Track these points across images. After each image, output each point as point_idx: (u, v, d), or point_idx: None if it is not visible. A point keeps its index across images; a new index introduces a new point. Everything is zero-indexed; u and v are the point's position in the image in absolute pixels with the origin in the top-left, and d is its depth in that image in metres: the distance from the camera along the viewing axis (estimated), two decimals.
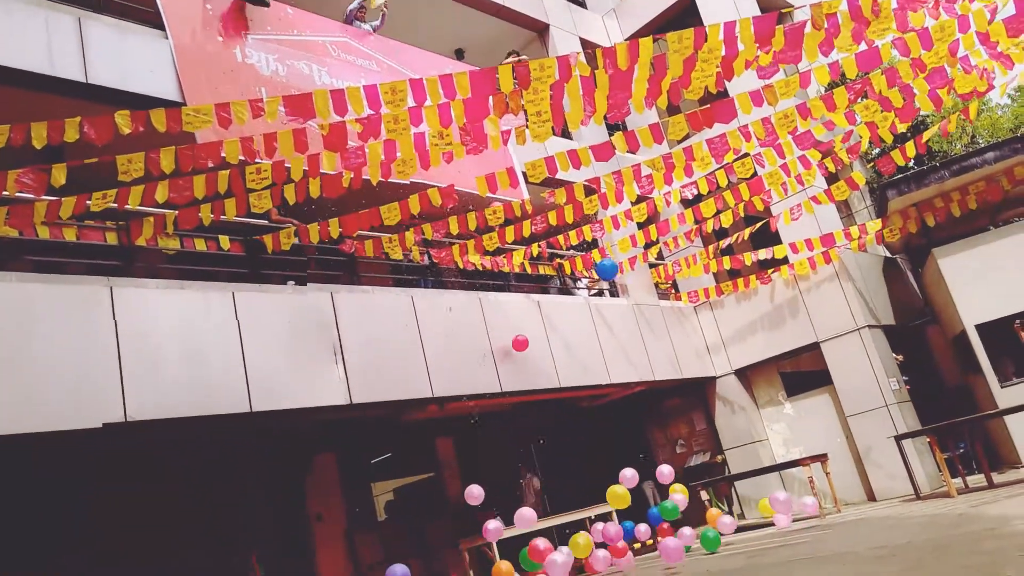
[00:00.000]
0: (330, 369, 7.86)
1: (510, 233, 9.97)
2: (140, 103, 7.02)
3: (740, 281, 12.78)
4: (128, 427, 6.25)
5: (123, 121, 5.42)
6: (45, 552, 7.67)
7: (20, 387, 5.72)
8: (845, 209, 14.83)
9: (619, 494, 8.77)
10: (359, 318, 8.37)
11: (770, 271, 12.46)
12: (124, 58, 7.35)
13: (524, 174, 9.03)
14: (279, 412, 7.34)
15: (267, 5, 8.78)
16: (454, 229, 9.22)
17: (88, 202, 5.95)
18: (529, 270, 11.36)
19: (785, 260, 12.35)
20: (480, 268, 10.32)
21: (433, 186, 8.60)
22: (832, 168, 10.45)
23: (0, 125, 5.22)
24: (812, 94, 11.88)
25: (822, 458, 10.56)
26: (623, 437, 13.73)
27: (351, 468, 10.54)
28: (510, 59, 11.85)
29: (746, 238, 11.79)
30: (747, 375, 13.13)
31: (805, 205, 11.21)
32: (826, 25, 6.78)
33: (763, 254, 12.19)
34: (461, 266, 10.09)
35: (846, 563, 5.77)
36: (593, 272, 11.65)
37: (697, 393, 13.47)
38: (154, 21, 7.87)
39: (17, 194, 6.00)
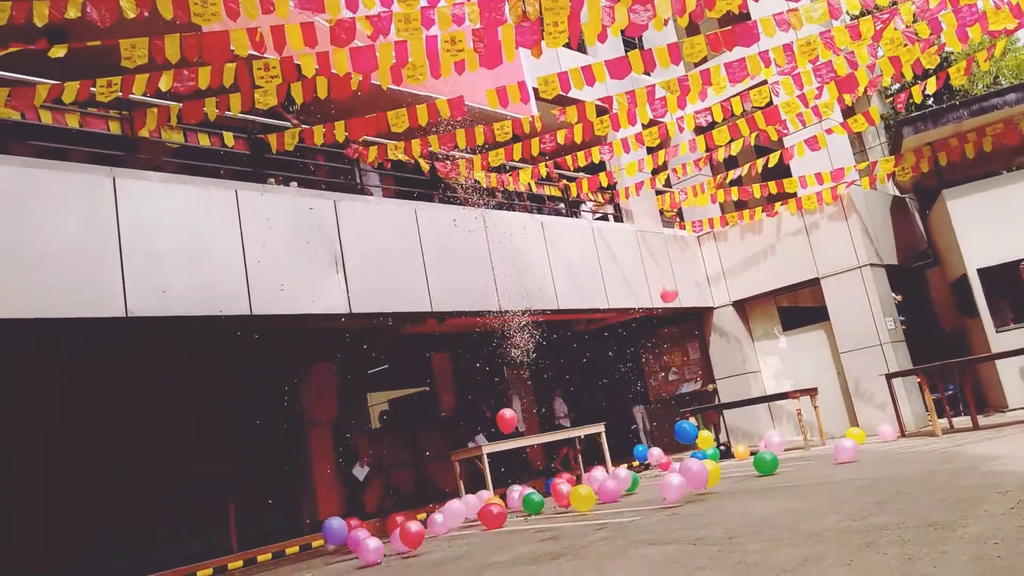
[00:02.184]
0: (331, 277, 7.86)
1: (517, 151, 9.82)
2: None
3: (746, 213, 12.68)
4: (128, 322, 6.28)
5: (127, 4, 5.24)
6: (33, 439, 7.84)
7: (18, 271, 5.71)
8: (859, 144, 14.61)
9: (583, 495, 7.40)
10: (361, 227, 8.32)
11: (778, 204, 12.35)
12: None
13: (535, 89, 8.82)
14: (278, 317, 7.37)
15: None
16: (461, 143, 9.07)
17: (92, 89, 5.81)
18: (535, 190, 11.25)
19: (794, 194, 12.22)
20: (485, 185, 10.20)
21: (442, 97, 8.41)
22: (849, 101, 10.22)
23: (1, 1, 5.04)
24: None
25: (812, 392, 10.70)
26: (617, 362, 13.88)
27: (348, 377, 10.68)
28: None
29: (758, 170, 11.63)
30: (745, 307, 13.18)
31: (820, 138, 11.01)
32: None
33: (772, 187, 12.06)
34: (465, 181, 9.97)
35: (826, 492, 5.90)
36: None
37: (694, 322, 13.56)
38: None
39: (19, 76, 5.88)
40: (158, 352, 8.30)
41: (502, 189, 10.54)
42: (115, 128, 6.90)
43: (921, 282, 13.43)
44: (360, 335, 9.35)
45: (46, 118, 6.41)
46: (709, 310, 13.26)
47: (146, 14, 5.38)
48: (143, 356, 8.23)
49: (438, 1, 6.28)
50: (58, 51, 5.26)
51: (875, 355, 11.22)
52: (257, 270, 7.22)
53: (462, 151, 9.54)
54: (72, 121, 6.56)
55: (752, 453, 10.51)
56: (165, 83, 5.98)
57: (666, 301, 9.54)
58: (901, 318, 11.87)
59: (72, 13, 5.20)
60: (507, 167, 10.55)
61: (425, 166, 9.71)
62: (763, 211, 12.52)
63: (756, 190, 12.18)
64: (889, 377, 10.28)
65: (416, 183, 9.95)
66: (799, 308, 12.94)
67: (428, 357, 11.93)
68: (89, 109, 6.70)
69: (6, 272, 5.63)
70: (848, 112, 12.32)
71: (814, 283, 12.05)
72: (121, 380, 8.12)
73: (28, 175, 5.94)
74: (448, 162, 9.83)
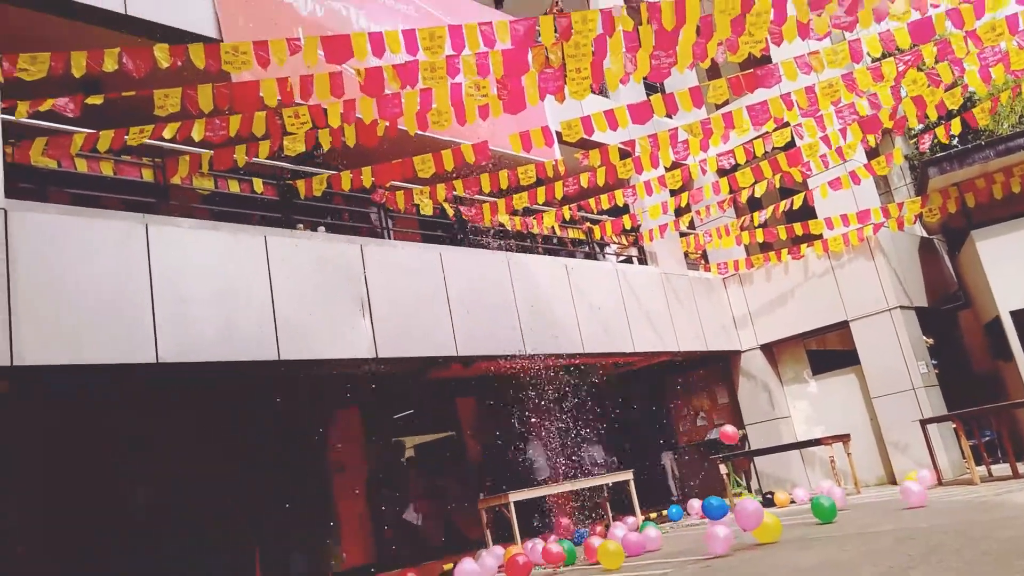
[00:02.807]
0: (357, 321, 7.89)
1: (541, 194, 9.89)
2: (177, 37, 6.99)
3: (772, 255, 12.60)
4: (158, 368, 6.33)
5: (162, 55, 5.40)
6: (61, 483, 7.86)
7: (53, 317, 5.79)
8: (884, 185, 14.53)
9: (611, 551, 7.03)
10: (387, 272, 8.37)
11: (803, 246, 12.27)
12: None
13: (559, 133, 8.92)
14: (305, 362, 7.39)
15: None
16: (486, 187, 9.16)
17: (126, 136, 5.96)
18: (559, 233, 11.29)
19: (819, 235, 12.14)
20: (509, 228, 10.27)
21: (467, 143, 8.52)
22: (873, 142, 10.21)
23: (41, 53, 5.22)
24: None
25: (844, 438, 10.47)
26: (644, 406, 13.71)
27: (374, 422, 10.64)
28: (553, 5, 11.68)
29: (781, 211, 11.59)
30: (773, 351, 13.01)
31: (844, 180, 10.98)
32: None
33: (797, 228, 11.99)
34: (490, 225, 10.04)
35: (866, 542, 5.73)
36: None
37: (721, 366, 13.39)
38: None
39: (55, 125, 6.05)
40: (186, 397, 8.34)
41: (526, 232, 10.59)
42: (148, 175, 7.05)
43: (952, 324, 13.19)
44: (386, 380, 9.35)
45: (81, 166, 6.57)
46: (736, 353, 13.10)
47: (179, 63, 5.54)
48: (171, 401, 8.28)
49: (463, 49, 6.40)
50: (95, 100, 5.41)
51: (908, 400, 10.97)
52: (285, 315, 7.26)
53: (487, 195, 9.62)
54: (106, 169, 6.72)
55: (792, 501, 10.30)
56: (197, 132, 6.13)
57: (727, 440, 9.48)
58: (933, 361, 11.64)
59: (109, 66, 5.38)
60: (531, 210, 10.61)
61: (450, 210, 9.79)
62: (789, 253, 12.44)
63: (781, 232, 12.13)
64: (924, 423, 10.04)
65: (441, 227, 10.03)
66: (829, 352, 12.73)
67: (454, 402, 11.87)
68: (123, 157, 6.87)
69: (41, 318, 5.72)
70: (872, 153, 12.29)
71: (843, 326, 11.88)
72: (148, 425, 8.16)
73: (64, 222, 6.07)
74: (473, 206, 9.92)
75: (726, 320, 13.06)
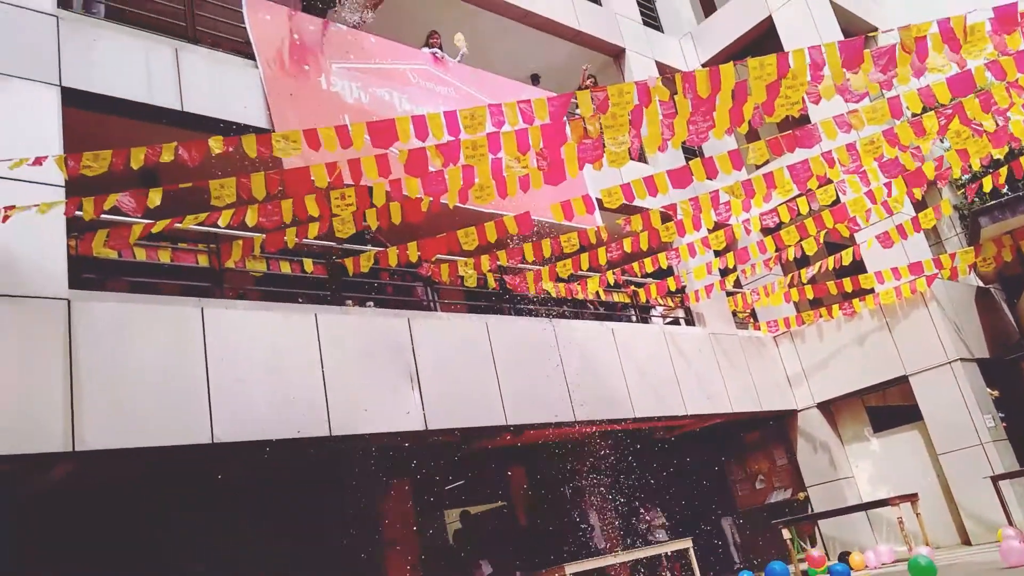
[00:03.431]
0: (407, 394, 7.93)
1: (585, 260, 9.93)
2: (231, 130, 7.34)
3: (823, 311, 12.38)
4: (214, 448, 6.43)
5: (216, 145, 5.64)
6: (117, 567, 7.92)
7: (114, 403, 5.95)
8: (934, 236, 14.25)
9: None
10: (435, 343, 8.44)
11: (855, 301, 12.03)
12: (217, 86, 7.69)
13: (599, 201, 9.01)
14: (356, 436, 7.44)
15: None
16: (529, 256, 9.24)
17: (179, 224, 6.20)
18: (603, 297, 11.27)
19: (871, 289, 11.91)
20: (554, 295, 10.30)
21: (509, 214, 8.65)
22: (919, 195, 10.06)
23: (103, 151, 5.50)
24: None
25: (912, 498, 10.05)
26: (700, 471, 13.38)
27: (424, 494, 10.57)
28: (585, 77, 11.92)
29: (829, 267, 11.43)
30: (831, 409, 12.66)
31: (891, 233, 10.82)
32: (915, 48, 6.57)
33: (847, 283, 11.79)
34: (535, 293, 10.09)
35: None
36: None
37: (778, 427, 13.05)
38: (245, 51, 8.21)
39: (115, 217, 6.32)
40: (239, 476, 8.41)
41: (571, 298, 10.60)
42: (203, 261, 7.29)
43: (1017, 375, 12.69)
44: (436, 451, 9.33)
45: (140, 255, 6.83)
46: (793, 413, 12.77)
47: (230, 149, 5.77)
48: (224, 481, 8.35)
49: (503, 126, 6.56)
50: (155, 197, 5.66)
51: (976, 456, 10.53)
52: (336, 390, 7.35)
53: (530, 263, 9.70)
54: (164, 256, 6.98)
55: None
56: (251, 217, 6.35)
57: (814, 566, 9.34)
58: (1000, 414, 11.18)
59: (166, 157, 5.62)
60: (576, 277, 10.64)
61: (493, 281, 9.87)
62: (840, 308, 12.20)
63: (831, 287, 11.93)
64: (995, 479, 9.60)
65: (487, 297, 10.11)
66: (889, 407, 12.34)
67: (505, 471, 11.74)
68: (179, 244, 7.13)
69: (102, 403, 5.89)
70: (919, 205, 12.11)
71: (902, 381, 11.54)
72: (202, 505, 8.22)
73: (124, 310, 6.30)
74: (517, 275, 9.99)
75: (779, 379, 12.78)
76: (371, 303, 8.49)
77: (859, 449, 12.41)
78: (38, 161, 5.37)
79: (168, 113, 7.24)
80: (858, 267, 12.21)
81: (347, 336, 7.72)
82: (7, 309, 5.71)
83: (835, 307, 12.28)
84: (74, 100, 6.68)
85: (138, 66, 7.16)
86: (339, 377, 7.43)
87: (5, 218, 5.55)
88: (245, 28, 8.27)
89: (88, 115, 6.83)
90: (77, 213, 5.82)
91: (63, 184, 6.20)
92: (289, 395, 7.02)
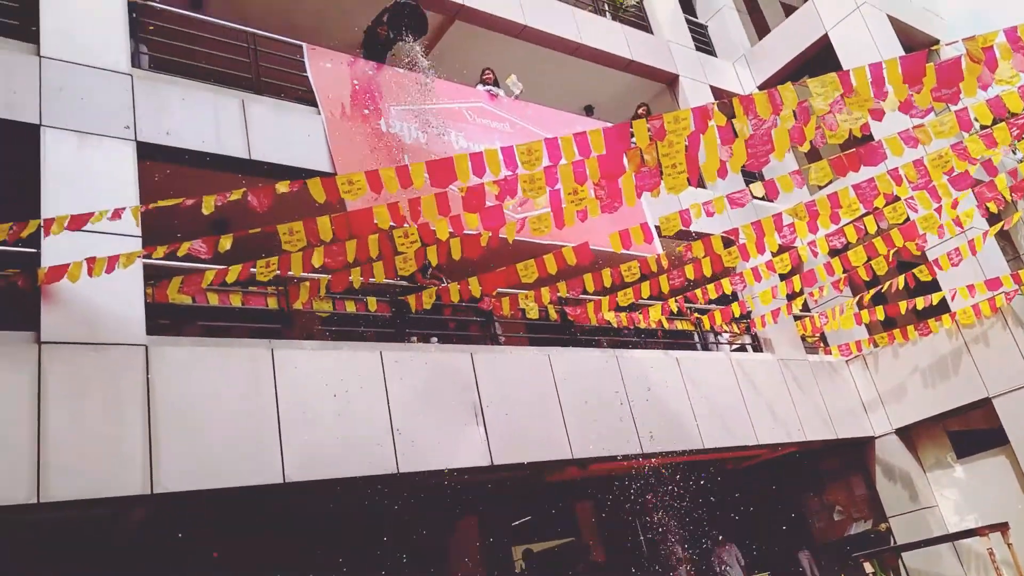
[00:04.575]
0: (472, 429, 7.93)
1: (646, 289, 9.83)
2: (295, 174, 7.53)
3: (896, 332, 11.95)
4: (286, 488, 6.53)
5: (282, 188, 5.82)
6: None
7: (189, 446, 6.11)
8: (1011, 251, 13.67)
9: None
10: (498, 377, 8.44)
11: (931, 321, 11.59)
12: (281, 134, 7.96)
13: (658, 228, 8.93)
14: (423, 473, 7.45)
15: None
16: (589, 286, 9.19)
17: (253, 269, 6.39)
18: (667, 326, 11.12)
19: (946, 308, 11.47)
20: (616, 325, 10.20)
21: (567, 245, 8.65)
22: (994, 208, 9.69)
23: (175, 199, 5.72)
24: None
25: (1002, 527, 9.54)
26: (775, 502, 12.97)
27: (491, 531, 10.50)
28: (640, 111, 11.94)
29: (900, 286, 11.06)
30: (910, 434, 12.15)
31: (962, 249, 10.43)
32: (984, 58, 6.37)
33: (920, 302, 11.38)
34: (597, 323, 10.01)
35: None
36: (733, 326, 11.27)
37: (854, 454, 12.57)
38: (307, 99, 8.50)
39: (189, 264, 6.56)
40: (309, 515, 8.51)
41: (634, 328, 10.49)
42: (272, 303, 7.48)
43: None
44: (502, 486, 9.27)
45: (213, 299, 7.05)
46: (869, 440, 12.30)
47: (295, 189, 5.93)
48: (294, 520, 8.46)
49: (560, 159, 6.59)
50: (225, 243, 5.85)
51: None
52: (402, 427, 7.40)
53: (591, 294, 9.65)
54: (235, 300, 7.19)
55: None
56: (317, 260, 6.50)
57: None
58: None
59: (235, 196, 5.81)
60: (637, 306, 10.54)
61: (554, 314, 9.85)
62: (915, 329, 11.77)
63: (903, 307, 11.53)
64: None
65: (548, 329, 10.08)
66: (973, 431, 11.78)
67: (572, 506, 11.59)
68: (250, 287, 7.34)
69: (178, 446, 6.05)
70: (993, 219, 11.66)
71: (985, 403, 11.02)
72: (272, 545, 8.33)
73: (198, 354, 6.50)
74: (578, 306, 9.95)
75: (854, 404, 12.35)
76: (435, 339, 8.55)
77: (942, 476, 11.86)
78: (116, 214, 5.62)
79: (236, 162, 7.51)
80: (932, 286, 11.78)
81: (412, 372, 7.79)
82: (90, 357, 5.94)
83: (909, 328, 11.85)
84: (148, 153, 6.99)
85: (207, 118, 7.47)
86: (405, 413, 7.48)
87: (90, 271, 5.81)
88: (307, 76, 8.57)
89: (162, 166, 7.14)
90: (153, 261, 6.06)
91: (139, 234, 6.46)
92: (356, 432, 7.10)
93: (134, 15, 7.72)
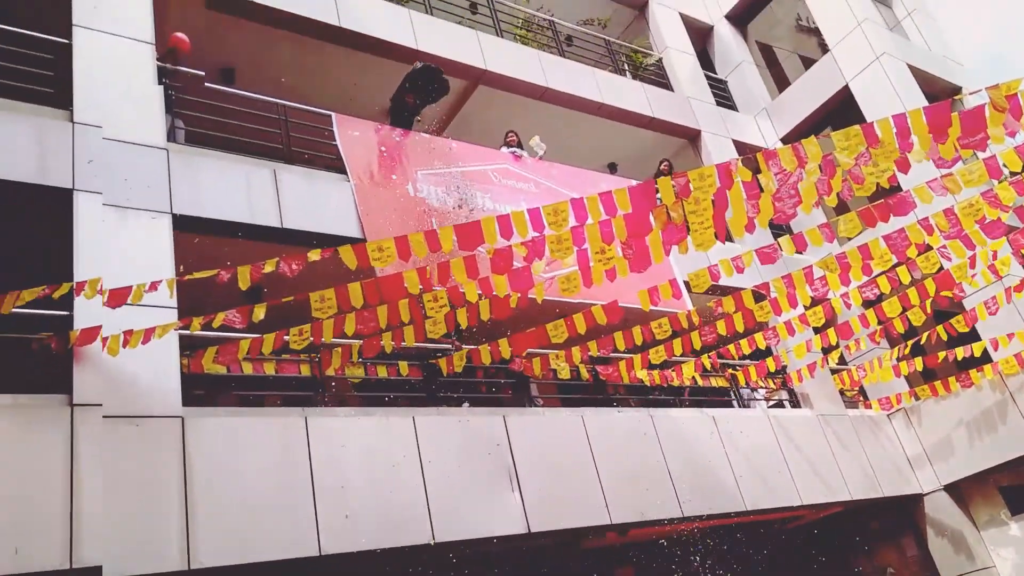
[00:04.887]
0: (507, 495, 7.78)
1: (678, 346, 9.73)
2: (326, 241, 7.66)
3: (938, 384, 11.64)
4: (321, 561, 6.42)
5: (314, 256, 5.91)
6: None
7: (228, 520, 6.07)
8: None
9: None
10: (531, 440, 8.32)
11: (973, 372, 11.29)
12: (312, 202, 8.13)
13: (687, 284, 8.89)
14: (459, 543, 7.30)
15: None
16: (620, 345, 9.12)
17: (286, 338, 6.44)
18: (701, 383, 10.95)
19: (987, 358, 11.17)
20: (648, 383, 10.08)
21: (597, 304, 8.63)
22: None
23: (211, 271, 5.83)
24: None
25: None
26: (822, 565, 12.48)
27: None
28: (663, 167, 12.02)
29: (941, 336, 10.82)
30: (960, 490, 11.70)
31: (999, 297, 10.22)
32: (1008, 106, 6.35)
33: (960, 352, 11.11)
34: (628, 381, 9.90)
35: None
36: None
37: (903, 513, 12.12)
38: (337, 166, 8.70)
39: (223, 334, 6.64)
40: None
41: (667, 385, 10.35)
42: (305, 370, 7.52)
43: None
44: (539, 554, 9.05)
45: (247, 369, 7.11)
46: (918, 497, 11.87)
47: (326, 257, 6.02)
48: None
49: (586, 219, 6.62)
50: (259, 313, 5.92)
51: None
52: (436, 495, 7.29)
53: (622, 352, 9.57)
54: (269, 369, 7.24)
55: None
56: (349, 327, 6.55)
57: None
58: None
59: (268, 268, 5.90)
60: (669, 363, 10.42)
61: (585, 373, 9.77)
62: (957, 380, 11.46)
63: (943, 357, 11.26)
64: None
65: (581, 389, 9.98)
66: None
67: (612, 573, 11.25)
68: (283, 355, 7.38)
69: (214, 519, 6.01)
70: None
71: None
72: None
73: (233, 424, 6.51)
74: (609, 364, 9.86)
75: (899, 460, 11.98)
76: (467, 403, 8.50)
77: (997, 535, 11.36)
78: (153, 286, 5.73)
79: (269, 231, 7.66)
80: (971, 335, 11.52)
81: (445, 437, 7.72)
82: (127, 431, 5.97)
83: (951, 379, 11.54)
84: (184, 225, 7.15)
85: (240, 188, 7.66)
86: (439, 480, 7.38)
87: (126, 343, 5.90)
88: (336, 145, 8.79)
89: (196, 237, 7.30)
90: (188, 332, 6.14)
91: (175, 305, 6.56)
92: (391, 501, 7.00)
93: (170, 92, 8.01)
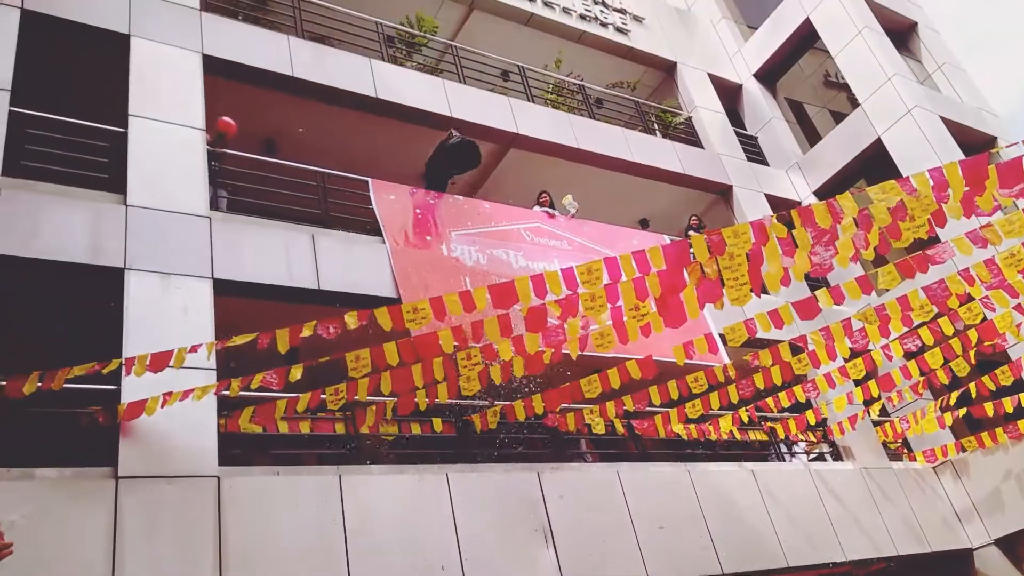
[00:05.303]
0: (542, 553, 7.68)
1: (715, 399, 9.60)
2: (362, 302, 7.76)
3: (985, 435, 11.31)
4: None
5: (351, 321, 5.98)
6: None
7: None
8: None
9: None
10: (567, 496, 8.22)
11: (1021, 422, 10.95)
12: (349, 264, 8.28)
13: (723, 337, 8.80)
14: None
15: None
16: (655, 399, 9.03)
17: (323, 396, 6.50)
18: (738, 436, 10.76)
19: None
20: (685, 438, 9.93)
21: (631, 358, 8.58)
22: None
23: (249, 334, 5.93)
24: None
25: None
26: None
27: None
28: (692, 222, 12.04)
29: (988, 388, 10.54)
30: (1012, 545, 11.26)
31: None
32: None
33: (1008, 403, 10.79)
34: (664, 435, 9.77)
35: None
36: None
37: (953, 570, 11.67)
38: (373, 229, 8.86)
39: (261, 394, 6.71)
40: None
41: (704, 440, 10.19)
42: (339, 428, 7.55)
43: None
44: None
45: (283, 428, 7.16)
46: (968, 552, 11.44)
47: (363, 322, 6.09)
48: None
49: (620, 277, 6.63)
50: (296, 373, 6.00)
51: None
52: (469, 552, 7.20)
53: (658, 407, 9.47)
54: (304, 427, 7.28)
55: None
56: (385, 387, 6.59)
57: None
58: None
59: (306, 332, 5.99)
60: (706, 417, 10.27)
61: (620, 427, 9.66)
62: (1005, 432, 11.12)
63: (988, 409, 10.96)
64: None
65: (616, 444, 9.87)
66: None
67: None
68: (318, 414, 7.44)
69: None
70: None
71: None
72: None
73: (268, 483, 6.54)
74: (645, 419, 9.75)
75: (947, 514, 11.58)
76: (501, 459, 8.44)
77: None
78: (194, 349, 5.84)
79: (307, 292, 7.81)
80: (1019, 385, 11.20)
81: (478, 494, 7.66)
82: (165, 490, 6.04)
83: (999, 431, 11.21)
84: (225, 289, 7.33)
85: (278, 253, 7.84)
86: (472, 538, 7.31)
87: (164, 403, 6.01)
88: (372, 208, 8.97)
89: (237, 301, 7.45)
90: (226, 393, 6.23)
91: (215, 367, 6.68)
92: (424, 561, 6.94)
93: (213, 164, 8.29)
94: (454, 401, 8.48)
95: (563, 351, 7.73)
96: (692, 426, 10.01)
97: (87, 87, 8.32)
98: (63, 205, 6.99)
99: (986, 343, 9.41)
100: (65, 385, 5.68)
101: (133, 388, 6.14)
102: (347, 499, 6.81)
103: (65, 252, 6.72)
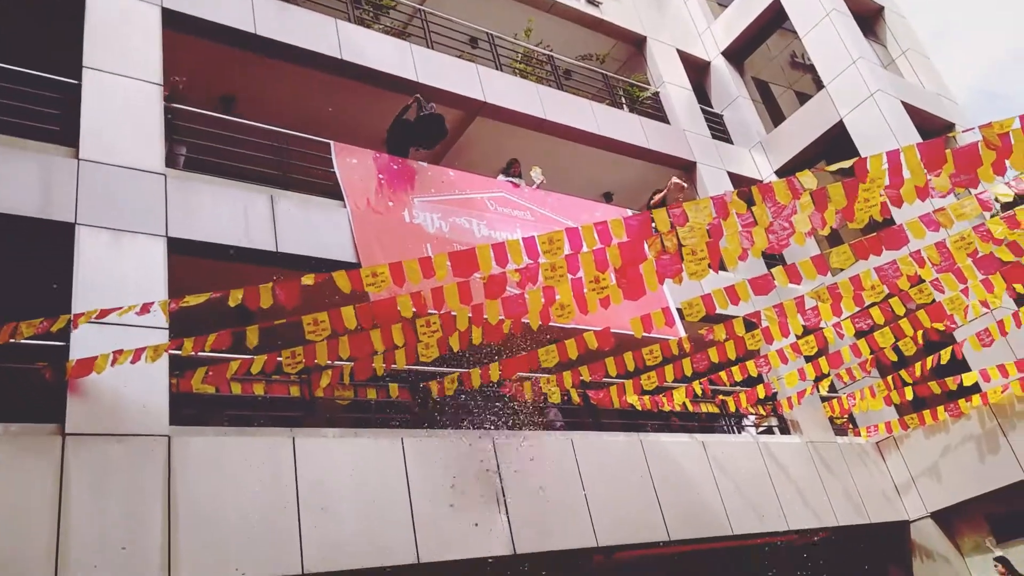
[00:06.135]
0: (493, 517, 7.78)
1: (669, 372, 9.75)
2: (321, 265, 7.69)
3: (927, 413, 11.70)
4: None
5: (308, 281, 5.92)
6: None
7: (211, 540, 6.05)
8: None
9: None
10: (520, 463, 8.33)
11: (962, 402, 11.35)
12: (308, 227, 8.16)
13: (680, 311, 8.90)
14: (445, 564, 7.28)
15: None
16: (612, 370, 9.14)
17: (279, 359, 6.44)
18: (691, 409, 10.97)
19: (977, 388, 11.24)
20: (639, 408, 10.09)
21: (589, 330, 8.65)
22: (1021, 289, 9.58)
23: (203, 294, 5.83)
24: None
25: None
26: None
27: None
28: (655, 199, 12.09)
29: (929, 367, 10.88)
30: (946, 518, 11.73)
31: (992, 329, 10.29)
32: (1000, 144, 6.43)
33: (950, 383, 11.17)
34: (619, 406, 9.92)
35: None
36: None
37: (890, 540, 12.13)
38: (334, 192, 8.73)
39: (214, 354, 6.63)
40: None
41: (657, 411, 10.37)
42: (295, 391, 7.51)
43: None
44: None
45: (236, 389, 7.10)
46: (905, 524, 11.89)
47: (320, 282, 6.03)
48: None
49: (581, 248, 6.66)
50: (252, 337, 5.93)
51: None
52: (422, 515, 7.28)
53: (613, 377, 9.59)
54: (259, 390, 7.22)
55: None
56: (343, 350, 6.55)
57: None
58: None
59: (265, 302, 5.91)
60: (661, 389, 10.44)
61: (577, 397, 9.77)
62: (946, 410, 11.52)
63: (933, 388, 11.32)
64: None
65: (571, 413, 9.98)
66: (1013, 514, 11.36)
67: None
68: (273, 377, 7.38)
69: (199, 541, 5.99)
70: (1021, 300, 11.53)
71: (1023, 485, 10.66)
72: None
73: (220, 443, 6.50)
74: (600, 390, 9.87)
75: (887, 488, 12.01)
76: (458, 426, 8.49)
77: (982, 562, 11.36)
78: (145, 308, 5.73)
79: (264, 254, 7.68)
80: (961, 366, 11.59)
81: (433, 459, 7.71)
82: (114, 449, 5.97)
83: (940, 409, 11.60)
84: (179, 248, 7.18)
85: (237, 214, 7.69)
86: (425, 501, 7.38)
87: (114, 361, 5.89)
88: (334, 172, 8.83)
89: (191, 260, 7.31)
90: (178, 352, 6.14)
91: (167, 327, 6.56)
92: (377, 521, 7.00)
93: (169, 117, 8.06)
94: (412, 367, 8.49)
95: (523, 320, 7.78)
96: (646, 397, 10.17)
97: (40, 37, 8.01)
98: (12, 156, 6.75)
99: (934, 324, 9.68)
100: (12, 340, 5.54)
101: (82, 345, 6.03)
102: (300, 461, 6.80)
103: (13, 205, 6.52)
